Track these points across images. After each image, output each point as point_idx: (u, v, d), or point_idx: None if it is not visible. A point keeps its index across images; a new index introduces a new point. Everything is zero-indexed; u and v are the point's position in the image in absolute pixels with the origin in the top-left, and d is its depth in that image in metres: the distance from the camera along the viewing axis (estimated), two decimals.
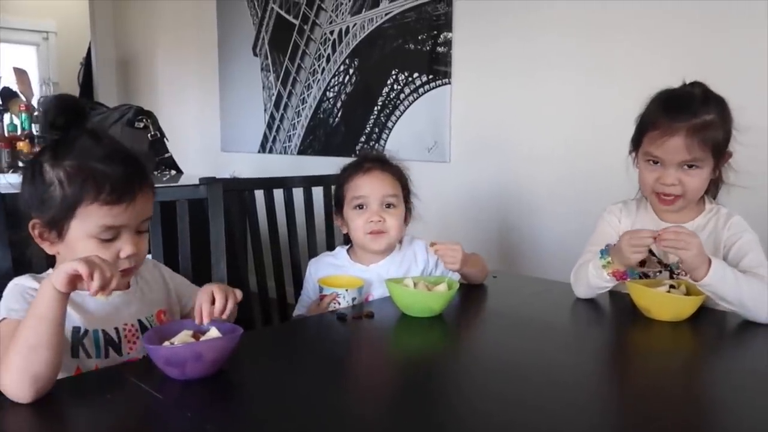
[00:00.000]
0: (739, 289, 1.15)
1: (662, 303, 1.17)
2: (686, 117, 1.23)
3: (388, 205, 1.41)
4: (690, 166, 1.25)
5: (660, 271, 1.31)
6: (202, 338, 0.91)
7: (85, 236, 0.94)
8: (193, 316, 0.97)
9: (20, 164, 0.98)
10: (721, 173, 1.34)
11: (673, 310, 1.16)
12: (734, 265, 1.23)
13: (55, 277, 0.82)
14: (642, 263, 1.31)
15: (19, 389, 0.79)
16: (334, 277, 1.41)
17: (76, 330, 0.96)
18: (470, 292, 1.40)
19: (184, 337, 0.90)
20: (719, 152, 1.25)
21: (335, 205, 1.50)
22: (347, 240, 1.54)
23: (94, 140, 0.96)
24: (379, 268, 1.42)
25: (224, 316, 0.95)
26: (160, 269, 1.13)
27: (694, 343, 1.15)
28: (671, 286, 1.20)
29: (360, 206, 1.40)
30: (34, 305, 0.83)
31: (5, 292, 0.95)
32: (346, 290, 1.33)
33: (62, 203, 0.93)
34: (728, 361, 1.08)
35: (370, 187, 1.40)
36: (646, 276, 1.33)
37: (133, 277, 1.06)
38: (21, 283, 0.95)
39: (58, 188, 0.93)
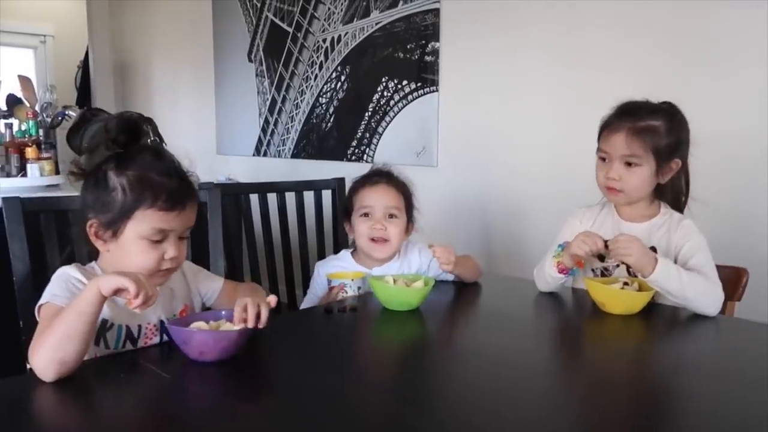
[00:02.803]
0: (681, 284, 1.30)
1: (615, 298, 1.30)
2: (631, 119, 1.41)
3: (391, 216, 1.55)
4: (630, 164, 1.41)
5: (618, 265, 1.45)
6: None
7: (137, 237, 1.06)
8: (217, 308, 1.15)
9: (75, 170, 1.10)
10: (687, 184, 1.49)
11: (625, 305, 1.29)
12: (684, 263, 1.37)
13: (104, 283, 0.94)
14: (602, 258, 1.46)
15: (46, 370, 0.91)
16: (339, 272, 1.55)
17: (103, 322, 1.07)
18: (446, 290, 1.53)
19: (201, 325, 1.03)
20: (661, 157, 1.40)
21: (344, 211, 1.64)
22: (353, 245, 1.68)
23: (156, 156, 1.10)
24: (380, 272, 1.55)
25: (260, 326, 1.04)
26: (182, 269, 1.23)
27: (644, 333, 1.28)
28: (625, 283, 1.33)
29: (365, 214, 1.55)
30: (77, 300, 0.95)
31: (53, 277, 1.07)
32: (352, 280, 1.49)
33: (122, 206, 1.06)
34: (674, 349, 1.21)
35: (375, 198, 1.56)
36: (606, 270, 1.47)
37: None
38: (67, 272, 1.07)
39: (120, 193, 1.06)
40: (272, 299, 1.09)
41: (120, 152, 1.08)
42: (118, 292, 0.95)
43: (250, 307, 1.04)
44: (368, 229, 1.54)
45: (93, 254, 1.15)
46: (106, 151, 1.08)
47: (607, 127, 1.45)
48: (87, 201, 1.10)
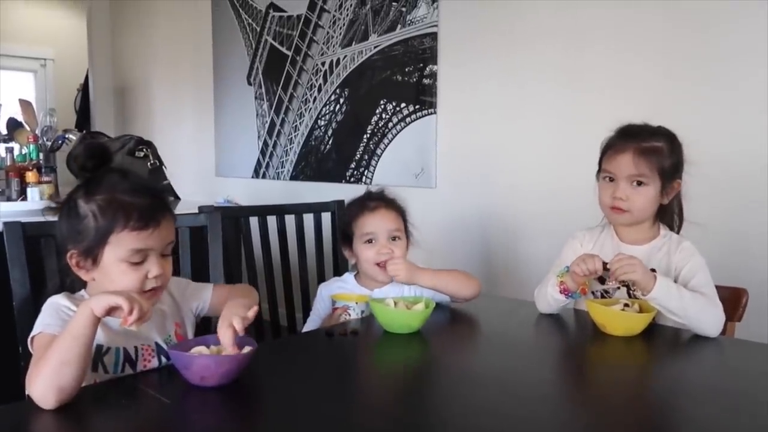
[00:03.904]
0: (682, 302, 1.30)
1: (616, 319, 1.30)
2: (636, 140, 1.43)
3: (394, 238, 1.56)
4: (638, 183, 1.42)
5: (618, 287, 1.46)
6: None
7: (117, 260, 1.06)
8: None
9: (53, 206, 1.13)
10: (680, 205, 1.50)
11: (626, 326, 1.29)
12: (684, 284, 1.38)
13: (95, 304, 0.94)
14: (602, 281, 1.46)
15: (45, 398, 0.90)
16: (343, 294, 1.55)
17: (98, 348, 1.07)
18: (447, 312, 1.53)
19: (202, 350, 1.03)
20: (665, 177, 1.42)
21: (343, 238, 1.64)
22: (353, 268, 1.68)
23: (122, 177, 1.10)
24: (382, 293, 1.54)
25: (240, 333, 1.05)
26: (169, 288, 1.23)
27: (645, 355, 1.28)
28: (625, 305, 1.33)
29: (369, 240, 1.56)
30: (70, 325, 0.95)
31: (43, 308, 1.06)
32: (356, 303, 1.49)
33: (96, 232, 1.05)
34: (675, 371, 1.20)
35: (376, 224, 1.56)
36: (606, 293, 1.47)
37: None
38: (57, 301, 1.07)
39: (92, 220, 1.06)
40: (251, 313, 1.07)
41: (88, 178, 1.09)
42: (111, 311, 0.95)
43: (222, 332, 1.03)
44: (375, 254, 1.54)
45: (79, 283, 1.14)
46: (79, 179, 1.09)
47: (611, 148, 1.46)
48: (63, 232, 1.10)
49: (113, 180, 1.09)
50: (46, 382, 0.90)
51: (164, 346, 1.15)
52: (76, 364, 0.92)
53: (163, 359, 1.14)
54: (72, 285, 1.14)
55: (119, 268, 1.06)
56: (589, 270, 1.34)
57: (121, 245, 1.05)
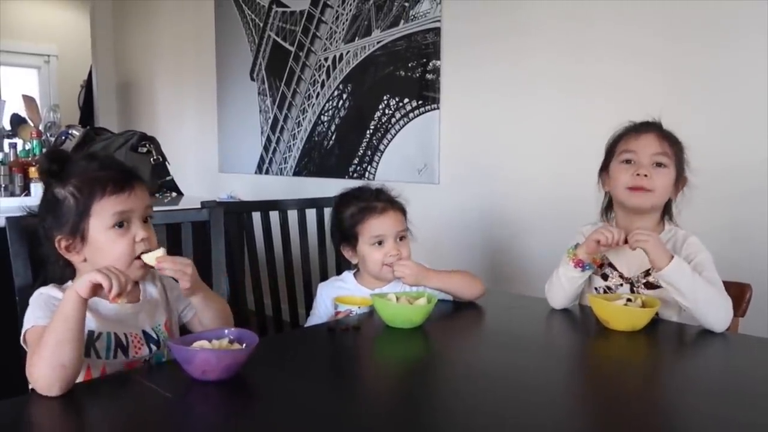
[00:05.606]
0: (694, 285, 1.29)
1: (619, 315, 1.29)
2: (654, 127, 1.45)
3: (401, 238, 1.56)
4: (659, 165, 1.41)
5: (621, 285, 1.45)
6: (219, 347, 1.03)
7: (103, 230, 1.10)
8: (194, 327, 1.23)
9: (30, 211, 1.23)
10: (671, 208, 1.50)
11: (629, 321, 1.29)
12: None
13: (79, 285, 0.98)
14: (605, 277, 1.47)
15: (49, 380, 0.92)
16: (347, 296, 1.54)
17: (90, 333, 1.08)
18: (448, 307, 1.52)
19: (204, 344, 1.03)
20: (679, 167, 1.43)
21: (343, 239, 1.60)
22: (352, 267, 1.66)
23: (89, 160, 1.17)
24: (382, 291, 1.53)
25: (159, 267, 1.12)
26: (162, 282, 1.26)
27: (648, 350, 1.28)
28: (628, 300, 1.32)
29: (379, 243, 1.54)
30: (60, 309, 0.98)
31: (31, 301, 1.08)
32: (359, 307, 1.48)
33: (77, 208, 1.10)
34: (679, 366, 1.20)
35: (387, 227, 1.54)
36: (609, 289, 1.46)
37: (141, 293, 1.20)
38: (45, 292, 1.09)
39: (72, 199, 1.11)
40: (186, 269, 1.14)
41: (58, 172, 1.13)
42: (95, 290, 0.98)
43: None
44: (383, 256, 1.52)
45: (67, 273, 1.16)
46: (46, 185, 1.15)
47: (629, 132, 1.46)
48: (46, 224, 1.14)
49: (82, 165, 1.15)
50: (47, 362, 0.92)
51: (152, 334, 1.18)
52: (72, 343, 0.95)
53: (153, 347, 1.17)
54: (60, 275, 1.16)
55: (107, 236, 1.11)
56: (614, 238, 1.35)
57: (103, 213, 1.10)
